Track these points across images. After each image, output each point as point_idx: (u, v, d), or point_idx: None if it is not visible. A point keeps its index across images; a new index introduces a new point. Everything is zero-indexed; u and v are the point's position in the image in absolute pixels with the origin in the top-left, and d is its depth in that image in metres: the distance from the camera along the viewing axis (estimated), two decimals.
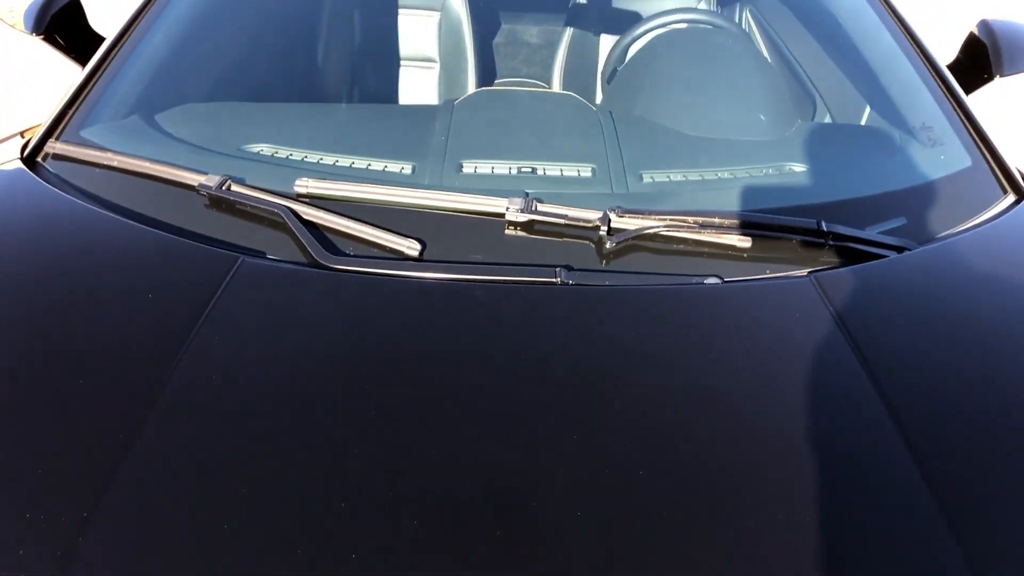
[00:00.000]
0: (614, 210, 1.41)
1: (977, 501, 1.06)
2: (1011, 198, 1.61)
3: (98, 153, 1.56)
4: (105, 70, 1.75)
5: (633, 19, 2.45)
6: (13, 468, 1.04)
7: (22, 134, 1.78)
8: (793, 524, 1.01)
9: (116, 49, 1.79)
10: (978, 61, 2.04)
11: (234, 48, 2.02)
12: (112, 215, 1.44)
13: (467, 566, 0.95)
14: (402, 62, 2.52)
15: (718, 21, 2.20)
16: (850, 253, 1.40)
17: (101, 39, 2.13)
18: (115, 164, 1.54)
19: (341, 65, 2.37)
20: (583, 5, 2.57)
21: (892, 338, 1.27)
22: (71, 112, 1.68)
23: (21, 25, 2.09)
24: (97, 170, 1.54)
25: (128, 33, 1.82)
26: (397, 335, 1.24)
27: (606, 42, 2.51)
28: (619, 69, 2.17)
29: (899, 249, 1.42)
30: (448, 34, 2.41)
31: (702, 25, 2.18)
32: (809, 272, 1.36)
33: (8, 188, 1.55)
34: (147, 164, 1.52)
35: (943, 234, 1.49)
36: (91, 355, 1.20)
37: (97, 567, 0.95)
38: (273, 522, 0.99)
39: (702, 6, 2.53)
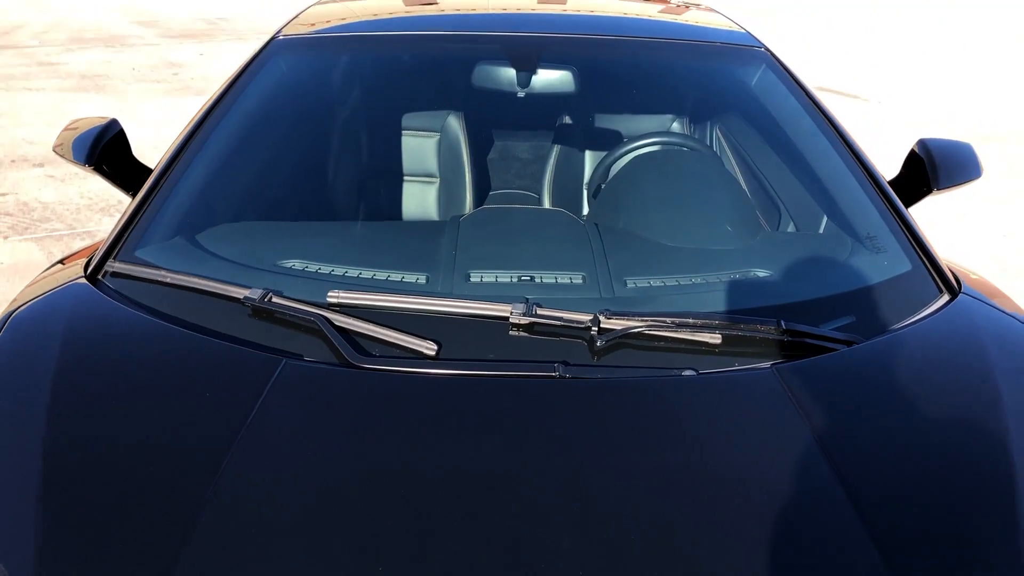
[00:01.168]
0: (603, 313, 1.63)
1: (912, 548, 1.27)
2: (946, 297, 1.85)
3: (151, 271, 1.79)
4: (154, 197, 2.00)
5: (614, 137, 2.73)
6: (83, 554, 1.23)
7: (83, 254, 2.02)
8: None
9: (163, 179, 2.04)
10: (918, 176, 2.31)
11: (261, 173, 2.29)
12: (167, 324, 1.66)
13: None
14: (405, 178, 2.78)
15: (691, 143, 2.48)
16: (806, 347, 1.63)
17: (145, 168, 2.39)
18: (167, 280, 1.76)
19: (354, 183, 2.63)
20: (569, 124, 2.85)
21: (843, 420, 1.48)
22: (126, 234, 1.92)
23: (70, 155, 2.34)
24: (151, 285, 1.77)
25: (172, 166, 2.07)
26: (419, 425, 1.45)
27: (590, 156, 2.78)
28: (603, 185, 2.44)
29: (848, 343, 1.65)
30: (447, 152, 2.67)
31: (676, 147, 2.46)
32: (771, 364, 1.58)
33: (75, 300, 1.77)
34: (196, 280, 1.75)
35: (887, 330, 1.72)
36: (153, 451, 1.40)
37: None
38: None
39: (676, 126, 2.82)
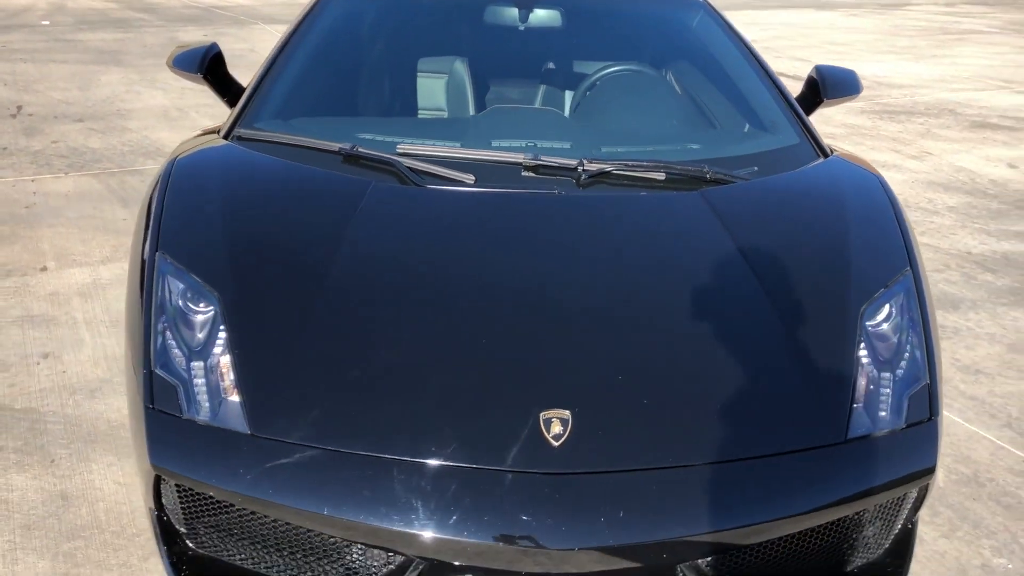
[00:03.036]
0: (585, 159, 2.44)
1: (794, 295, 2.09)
2: (821, 158, 2.68)
3: (269, 134, 2.58)
4: (258, 92, 2.79)
5: (589, 63, 3.52)
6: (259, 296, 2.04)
7: (205, 131, 2.81)
8: (692, 350, 1.98)
9: (264, 79, 2.83)
10: (814, 91, 3.15)
11: (334, 76, 3.09)
12: (288, 163, 2.45)
13: (517, 347, 1.96)
14: (434, 75, 3.49)
15: (645, 68, 3.30)
16: (722, 183, 2.45)
17: (235, 82, 3.17)
18: (281, 140, 2.55)
19: (404, 81, 3.39)
20: (552, 69, 3.63)
21: (740, 218, 2.30)
22: (243, 114, 2.70)
23: (183, 68, 3.13)
24: (270, 144, 2.55)
25: (268, 72, 2.86)
26: (464, 223, 2.25)
27: (571, 75, 3.53)
28: (581, 101, 3.24)
29: (746, 179, 2.47)
30: (470, 68, 3.41)
31: (634, 71, 3.27)
32: (699, 192, 2.40)
33: (225, 151, 2.56)
34: (302, 138, 2.54)
35: (779, 172, 2.54)
36: (295, 227, 2.19)
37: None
38: (416, 345, 1.95)
39: (636, 58, 3.62)
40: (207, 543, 1.94)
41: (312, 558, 1.87)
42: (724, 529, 1.76)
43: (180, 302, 2.07)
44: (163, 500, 1.96)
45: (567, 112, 3.28)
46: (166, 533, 1.98)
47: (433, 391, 1.89)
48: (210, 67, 3.12)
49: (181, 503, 1.92)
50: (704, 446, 1.83)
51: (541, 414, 1.84)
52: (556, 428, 1.82)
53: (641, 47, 3.38)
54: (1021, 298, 4.07)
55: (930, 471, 1.94)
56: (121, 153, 5.65)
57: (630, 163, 2.46)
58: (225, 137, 2.64)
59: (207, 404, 1.90)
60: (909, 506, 1.99)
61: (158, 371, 1.95)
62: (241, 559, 1.93)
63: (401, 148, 2.49)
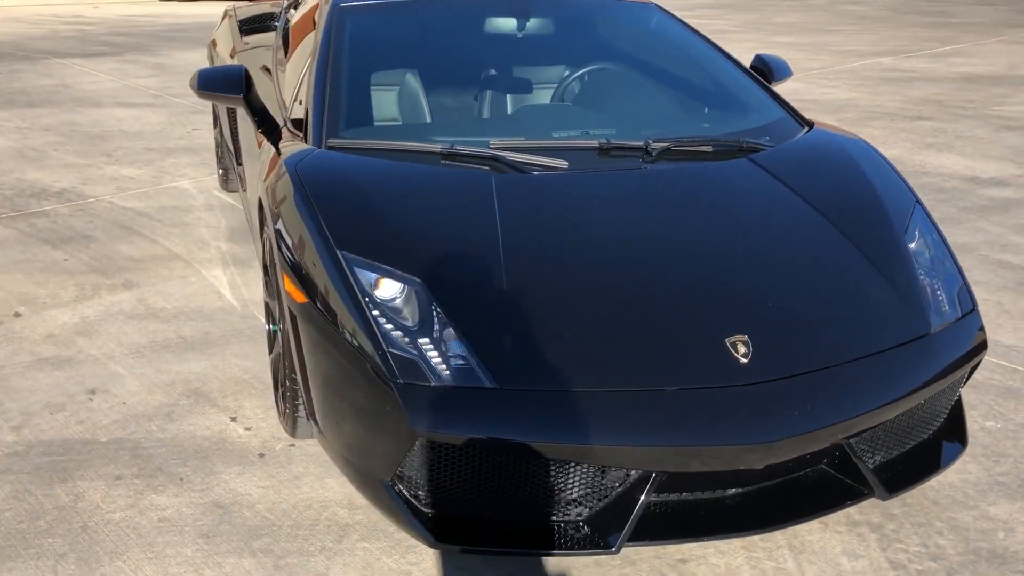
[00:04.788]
0: (650, 139, 2.87)
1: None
2: (806, 128, 3.27)
3: (364, 141, 2.81)
4: (327, 107, 2.99)
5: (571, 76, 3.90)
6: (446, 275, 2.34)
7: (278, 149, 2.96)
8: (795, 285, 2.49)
9: (325, 97, 3.02)
10: (762, 75, 3.77)
11: (379, 86, 3.34)
12: (394, 163, 2.70)
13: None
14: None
15: (619, 65, 3.76)
16: (755, 150, 2.96)
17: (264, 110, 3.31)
18: (379, 146, 2.78)
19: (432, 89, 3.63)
20: (545, 70, 3.94)
21: (799, 180, 2.82)
22: (323, 127, 2.89)
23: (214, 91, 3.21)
24: (361, 151, 2.78)
25: (324, 90, 3.05)
26: (595, 198, 2.64)
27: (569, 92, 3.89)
28: (584, 94, 3.64)
29: (765, 147, 3.00)
30: (470, 93, 3.73)
31: (611, 68, 3.73)
32: (745, 158, 2.90)
33: (340, 157, 2.78)
34: (393, 143, 2.79)
35: (782, 141, 3.09)
36: (452, 224, 2.48)
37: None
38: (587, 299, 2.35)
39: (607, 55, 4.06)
40: (455, 501, 2.18)
41: (557, 492, 2.17)
42: (874, 408, 2.26)
43: (378, 291, 2.28)
44: (404, 470, 2.17)
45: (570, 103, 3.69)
46: (408, 501, 2.19)
47: (636, 333, 2.26)
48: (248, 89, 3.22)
49: (431, 465, 2.14)
50: (845, 347, 2.33)
51: (727, 340, 2.25)
52: (742, 349, 2.24)
53: (612, 47, 3.85)
54: None
55: (984, 347, 2.55)
56: (6, 197, 5.34)
57: (685, 139, 2.93)
58: (317, 146, 2.83)
59: (447, 371, 2.14)
60: (965, 377, 2.60)
61: (392, 351, 2.17)
62: (486, 509, 2.18)
63: (493, 144, 2.80)
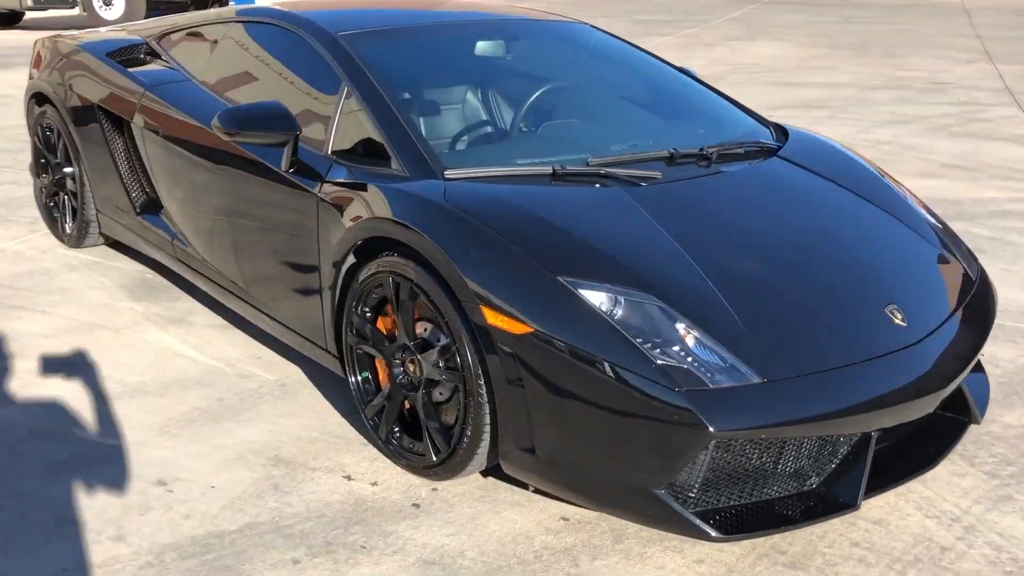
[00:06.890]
0: (705, 147, 3.15)
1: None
2: (783, 133, 3.74)
3: (467, 171, 2.83)
4: (410, 140, 2.92)
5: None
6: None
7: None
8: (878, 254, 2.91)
9: (394, 131, 2.94)
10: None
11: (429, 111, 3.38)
12: (516, 187, 2.76)
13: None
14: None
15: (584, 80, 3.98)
16: (772, 151, 3.36)
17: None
18: (496, 174, 2.80)
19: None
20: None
21: (825, 172, 3.26)
22: (432, 155, 2.88)
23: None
24: (483, 179, 2.79)
25: (393, 120, 2.98)
26: (712, 201, 2.92)
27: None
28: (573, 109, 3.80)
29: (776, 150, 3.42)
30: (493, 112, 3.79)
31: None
32: (774, 158, 3.28)
33: (464, 189, 2.76)
34: (504, 169, 2.82)
35: (780, 146, 3.53)
36: (621, 239, 2.59)
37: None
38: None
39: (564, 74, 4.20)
40: (721, 495, 2.34)
41: (804, 466, 2.42)
42: (983, 343, 2.78)
43: (614, 309, 2.35)
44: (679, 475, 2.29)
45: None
46: (683, 501, 2.31)
47: (827, 313, 2.58)
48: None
49: (713, 464, 2.29)
50: (950, 297, 2.85)
51: (885, 310, 2.62)
52: (898, 315, 2.63)
53: (567, 65, 4.02)
54: None
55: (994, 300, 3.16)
56: None
57: (727, 144, 3.25)
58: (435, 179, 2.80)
59: (714, 373, 2.28)
60: None
61: (660, 362, 2.26)
62: (742, 496, 2.37)
63: (593, 162, 2.92)
